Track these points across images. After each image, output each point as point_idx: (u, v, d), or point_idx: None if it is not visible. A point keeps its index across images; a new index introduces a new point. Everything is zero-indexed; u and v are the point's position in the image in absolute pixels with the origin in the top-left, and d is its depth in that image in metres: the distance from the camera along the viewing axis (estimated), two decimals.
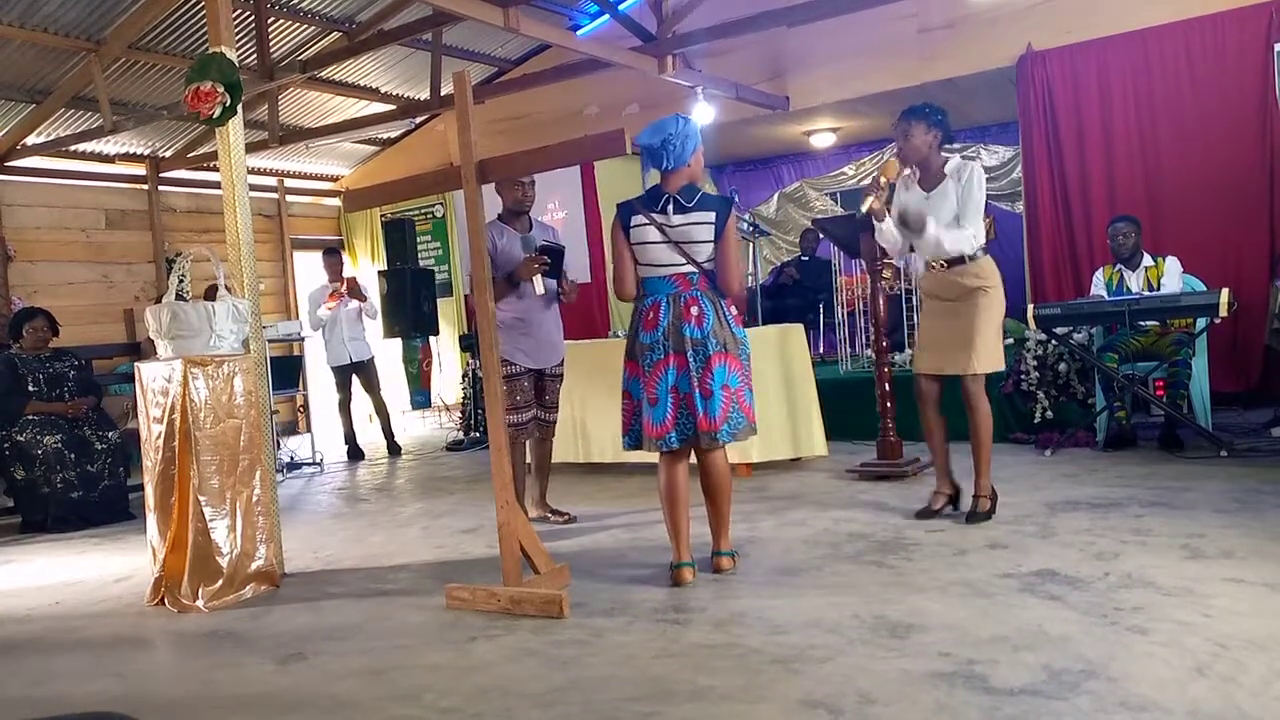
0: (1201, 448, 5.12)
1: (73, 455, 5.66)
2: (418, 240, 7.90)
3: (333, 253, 8.16)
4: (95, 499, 5.71)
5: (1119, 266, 5.65)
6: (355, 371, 7.81)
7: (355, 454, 7.81)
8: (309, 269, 10.08)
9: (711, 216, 3.44)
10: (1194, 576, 3.08)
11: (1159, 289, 5.43)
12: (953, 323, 4.02)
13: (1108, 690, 2.29)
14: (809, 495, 4.85)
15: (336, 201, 10.78)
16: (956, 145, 8.63)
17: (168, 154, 9.13)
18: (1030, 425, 5.84)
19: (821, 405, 5.66)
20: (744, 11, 6.46)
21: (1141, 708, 2.19)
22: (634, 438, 3.59)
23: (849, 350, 7.43)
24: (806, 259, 9.12)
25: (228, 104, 4.05)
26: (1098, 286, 5.69)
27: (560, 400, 4.84)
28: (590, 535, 4.39)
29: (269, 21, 6.95)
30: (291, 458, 7.51)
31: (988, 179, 4.52)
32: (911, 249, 4.21)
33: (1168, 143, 6.41)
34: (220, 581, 3.75)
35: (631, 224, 3.50)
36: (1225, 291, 4.87)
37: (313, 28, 7.74)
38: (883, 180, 4.04)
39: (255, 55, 6.91)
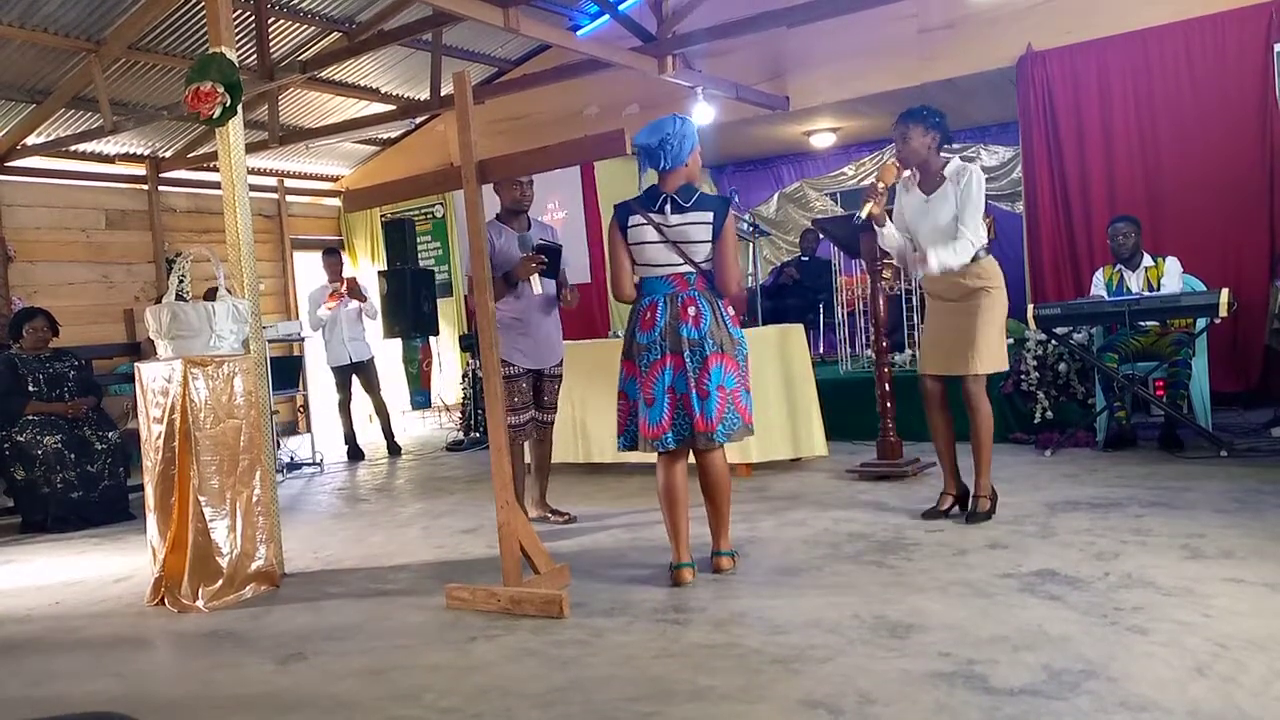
0: (1201, 448, 5.12)
1: (73, 455, 5.66)
2: (418, 240, 7.87)
3: (333, 253, 8.17)
4: (95, 499, 5.71)
5: (1119, 267, 5.65)
6: (355, 372, 7.82)
7: (355, 454, 7.82)
8: (309, 269, 10.08)
9: (709, 216, 3.44)
10: (1194, 576, 3.08)
11: (1159, 289, 5.43)
12: (956, 323, 4.01)
13: (1108, 690, 2.29)
14: (809, 495, 4.85)
15: (336, 202, 10.78)
16: (956, 146, 8.65)
17: (168, 154, 9.14)
18: (1030, 425, 5.84)
19: (821, 405, 5.67)
20: (744, 12, 6.46)
21: (1141, 708, 2.19)
22: (629, 438, 3.59)
23: (849, 350, 7.43)
24: (806, 259, 9.12)
25: (228, 104, 4.05)
26: (1098, 287, 5.69)
27: (560, 400, 4.83)
28: (590, 535, 4.39)
29: (269, 21, 6.96)
30: (291, 458, 7.51)
31: (987, 179, 4.52)
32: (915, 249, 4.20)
33: (1168, 143, 6.41)
34: (220, 581, 3.75)
35: (629, 224, 3.50)
36: (1225, 291, 4.87)
37: (313, 28, 7.74)
38: (880, 185, 4.02)
39: (255, 55, 6.91)
